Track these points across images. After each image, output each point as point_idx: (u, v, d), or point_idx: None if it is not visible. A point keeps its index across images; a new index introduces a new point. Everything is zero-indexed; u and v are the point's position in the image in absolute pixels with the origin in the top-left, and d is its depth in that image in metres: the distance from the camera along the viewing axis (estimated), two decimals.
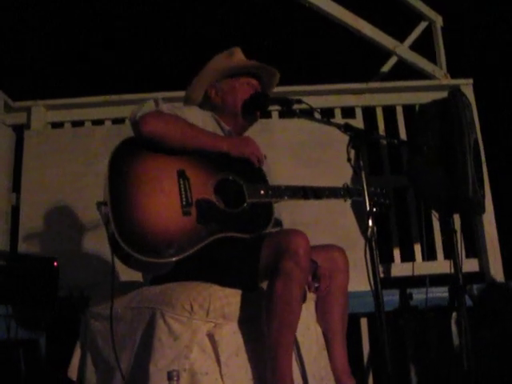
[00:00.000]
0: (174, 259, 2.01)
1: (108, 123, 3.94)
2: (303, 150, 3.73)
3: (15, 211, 3.76)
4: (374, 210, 2.12)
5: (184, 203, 2.10)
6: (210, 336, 2.00)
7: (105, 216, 2.01)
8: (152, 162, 2.14)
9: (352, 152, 2.03)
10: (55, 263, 2.78)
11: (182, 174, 2.16)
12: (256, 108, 2.47)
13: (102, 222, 2.05)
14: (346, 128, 2.07)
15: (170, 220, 2.06)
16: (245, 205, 2.23)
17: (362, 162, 2.02)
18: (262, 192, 2.27)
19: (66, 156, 3.74)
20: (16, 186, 3.82)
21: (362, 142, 2.03)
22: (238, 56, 2.54)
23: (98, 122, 3.99)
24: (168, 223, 2.05)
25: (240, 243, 2.16)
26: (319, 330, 2.34)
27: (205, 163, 2.23)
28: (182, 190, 2.13)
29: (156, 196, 2.08)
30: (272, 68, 2.56)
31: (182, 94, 2.74)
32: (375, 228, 1.96)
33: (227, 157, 2.28)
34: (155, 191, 2.09)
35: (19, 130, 3.97)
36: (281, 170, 3.42)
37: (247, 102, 2.46)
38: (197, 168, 2.20)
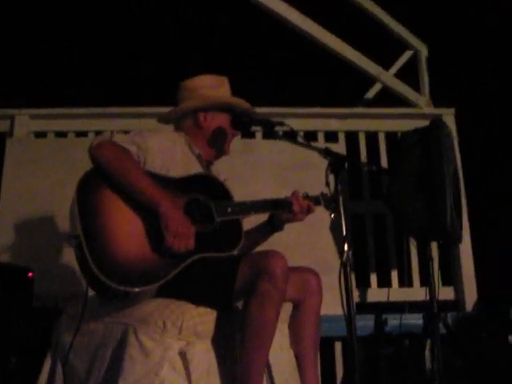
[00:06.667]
0: (153, 287, 2.02)
1: (91, 135, 3.93)
2: (284, 172, 3.75)
3: None
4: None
5: (154, 229, 2.08)
6: (182, 354, 1.99)
7: (78, 249, 2.00)
8: (118, 190, 2.11)
9: (331, 176, 2.05)
10: (30, 273, 2.76)
11: None
12: (238, 128, 2.50)
13: (76, 255, 2.04)
14: (326, 153, 2.10)
15: (145, 246, 2.05)
16: (215, 224, 2.23)
17: (339, 187, 2.04)
18: (230, 209, 2.28)
19: (47, 166, 3.72)
20: None
21: (341, 167, 2.06)
22: (226, 87, 2.55)
23: (81, 134, 3.98)
24: (144, 251, 2.04)
25: (216, 262, 2.16)
26: (292, 351, 2.35)
27: (169, 187, 2.19)
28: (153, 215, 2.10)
29: (128, 224, 2.06)
30: (257, 113, 2.57)
31: (162, 109, 2.76)
32: (351, 253, 1.98)
33: (189, 179, 2.28)
34: (126, 220, 2.07)
35: (1, 138, 3.95)
36: (261, 190, 3.45)
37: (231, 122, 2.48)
38: (163, 192, 2.16)
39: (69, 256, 3.32)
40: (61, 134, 4.03)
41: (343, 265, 1.95)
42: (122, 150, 2.18)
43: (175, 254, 2.06)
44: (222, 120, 2.49)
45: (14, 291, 2.66)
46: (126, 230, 2.05)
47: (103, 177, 2.12)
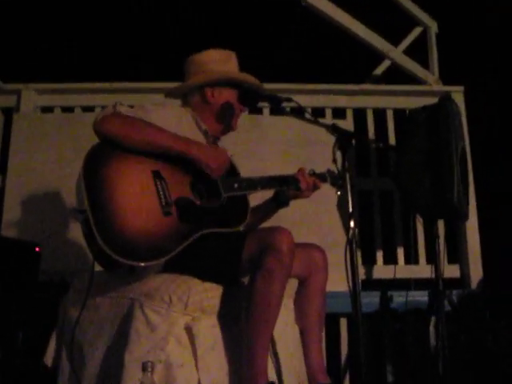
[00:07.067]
0: (160, 261, 2.03)
1: (98, 110, 3.91)
2: (291, 148, 3.74)
3: (0, 193, 3.73)
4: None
5: (163, 204, 2.10)
6: (188, 329, 2.01)
7: (84, 224, 2.00)
8: (125, 164, 2.12)
9: (338, 153, 2.04)
10: (37, 248, 2.77)
11: (157, 175, 2.15)
12: (246, 104, 2.48)
13: (82, 230, 2.04)
14: (333, 129, 2.08)
15: (152, 222, 2.05)
16: (221, 199, 2.23)
17: (346, 164, 2.03)
18: (236, 185, 2.29)
19: (54, 141, 3.73)
20: (2, 169, 3.80)
21: (348, 143, 2.05)
22: (234, 63, 2.53)
23: (88, 109, 3.98)
24: (151, 225, 2.04)
25: (222, 237, 2.17)
26: (297, 327, 2.36)
27: (177, 161, 2.20)
28: (160, 190, 2.12)
29: (135, 199, 2.06)
30: (265, 89, 2.56)
31: (169, 84, 2.74)
32: (357, 229, 1.98)
33: None
34: (133, 194, 2.07)
35: (8, 113, 3.95)
36: (268, 166, 3.45)
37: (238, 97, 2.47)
38: (170, 167, 2.19)
39: (75, 231, 3.34)
40: (68, 109, 4.02)
41: (349, 241, 1.95)
42: (127, 117, 2.17)
43: (194, 220, 2.12)
44: (229, 95, 2.47)
45: (20, 266, 2.68)
46: (133, 205, 2.05)
47: (110, 151, 2.12)
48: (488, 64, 4.43)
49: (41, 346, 2.37)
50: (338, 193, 2.25)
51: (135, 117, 2.18)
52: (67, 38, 4.53)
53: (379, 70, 4.38)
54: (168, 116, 2.33)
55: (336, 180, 2.52)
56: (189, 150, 2.17)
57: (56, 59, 4.40)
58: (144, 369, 1.71)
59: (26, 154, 3.70)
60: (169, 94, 2.60)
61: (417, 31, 4.39)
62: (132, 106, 2.31)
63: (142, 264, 1.97)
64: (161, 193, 2.11)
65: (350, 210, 1.98)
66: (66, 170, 3.54)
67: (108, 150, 2.12)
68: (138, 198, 2.07)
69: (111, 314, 2.11)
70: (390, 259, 3.92)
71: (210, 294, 2.09)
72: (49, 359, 2.32)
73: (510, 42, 4.35)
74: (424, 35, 4.39)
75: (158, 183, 2.13)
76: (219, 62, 2.48)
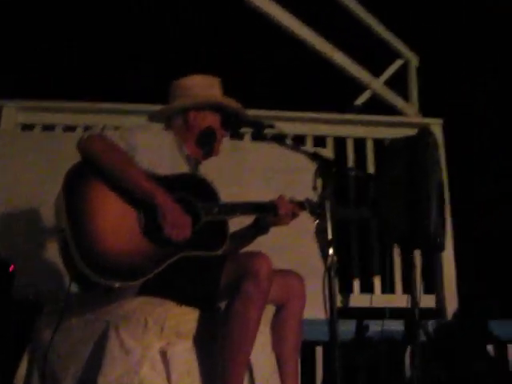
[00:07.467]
0: (137, 282, 2.01)
1: (80, 130, 3.91)
2: (272, 175, 3.75)
3: None
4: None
5: (143, 224, 2.10)
6: (163, 353, 1.99)
7: (62, 242, 1.99)
8: (106, 184, 2.11)
9: (319, 181, 2.06)
10: (11, 267, 2.73)
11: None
12: (228, 129, 2.50)
13: (59, 249, 2.03)
14: (315, 157, 2.10)
15: (131, 242, 2.05)
16: (201, 223, 2.23)
17: (327, 192, 2.04)
18: (216, 210, 2.28)
19: (33, 159, 3.70)
20: None
21: (329, 171, 2.06)
22: (218, 88, 2.54)
23: (69, 128, 3.96)
24: (129, 246, 2.04)
25: (200, 261, 2.16)
26: (273, 353, 2.34)
27: (158, 184, 2.18)
28: (140, 210, 2.11)
29: (114, 218, 2.06)
30: (247, 114, 2.57)
31: (153, 107, 2.75)
32: (335, 257, 1.98)
33: (176, 178, 2.28)
34: (112, 214, 2.06)
35: None
36: (248, 192, 3.45)
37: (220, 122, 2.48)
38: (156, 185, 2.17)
39: (52, 250, 3.31)
40: (48, 128, 4.00)
41: (327, 269, 1.95)
42: (111, 143, 2.16)
43: (172, 244, 2.07)
44: (212, 120, 2.48)
45: None
46: (113, 225, 2.05)
47: (91, 170, 2.11)
48: (467, 97, 4.53)
49: (12, 367, 2.32)
50: (317, 221, 2.25)
51: (119, 147, 2.17)
52: (50, 56, 4.53)
53: (360, 100, 4.45)
54: (151, 139, 2.33)
55: (314, 209, 2.53)
56: (155, 196, 2.09)
57: (38, 77, 4.39)
58: None
59: (5, 171, 3.67)
60: (152, 117, 2.60)
61: (398, 64, 4.48)
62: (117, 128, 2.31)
63: (118, 285, 1.96)
64: (141, 213, 2.11)
65: (330, 237, 1.99)
66: (44, 189, 3.50)
67: (90, 169, 2.12)
68: (117, 218, 2.07)
69: (86, 335, 2.08)
70: (367, 288, 3.93)
71: (186, 318, 2.08)
72: (19, 380, 2.27)
73: (488, 76, 4.46)
74: (405, 68, 4.48)
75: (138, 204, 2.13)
76: (204, 86, 2.50)
